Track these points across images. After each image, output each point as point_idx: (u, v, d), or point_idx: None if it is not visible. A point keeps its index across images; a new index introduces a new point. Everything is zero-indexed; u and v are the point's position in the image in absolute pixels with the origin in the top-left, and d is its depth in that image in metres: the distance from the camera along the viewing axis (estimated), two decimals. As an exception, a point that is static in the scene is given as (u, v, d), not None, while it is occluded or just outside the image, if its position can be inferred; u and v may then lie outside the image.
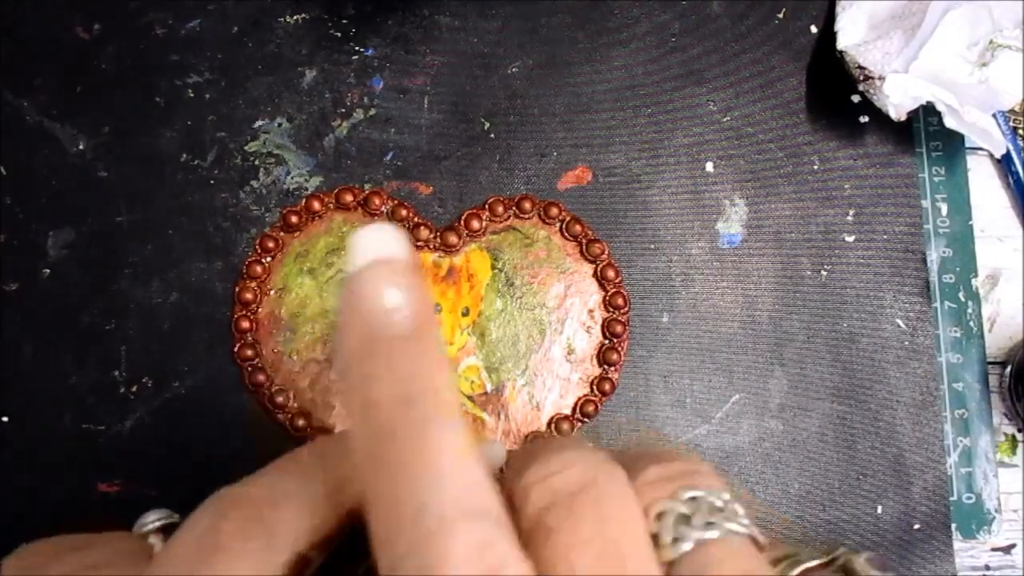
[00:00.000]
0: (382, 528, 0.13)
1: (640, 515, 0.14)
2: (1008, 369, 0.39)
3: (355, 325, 0.14)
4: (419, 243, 0.37)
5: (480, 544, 0.12)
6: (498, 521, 0.13)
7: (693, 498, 0.15)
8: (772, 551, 0.16)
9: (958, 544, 0.37)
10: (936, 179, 0.41)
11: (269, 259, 0.37)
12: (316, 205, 0.37)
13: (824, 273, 0.39)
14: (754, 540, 0.15)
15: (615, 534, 0.14)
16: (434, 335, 0.14)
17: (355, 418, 0.14)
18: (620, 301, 0.37)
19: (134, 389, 0.35)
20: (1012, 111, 0.41)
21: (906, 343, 0.38)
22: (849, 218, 0.39)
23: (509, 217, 0.38)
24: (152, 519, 0.17)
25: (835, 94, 0.40)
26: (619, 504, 0.14)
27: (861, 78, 0.38)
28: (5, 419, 0.35)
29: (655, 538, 0.14)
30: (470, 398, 0.36)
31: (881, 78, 0.37)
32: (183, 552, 0.14)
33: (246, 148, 0.38)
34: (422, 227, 0.37)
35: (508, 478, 0.15)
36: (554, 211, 0.37)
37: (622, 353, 0.37)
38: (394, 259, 0.14)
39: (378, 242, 0.14)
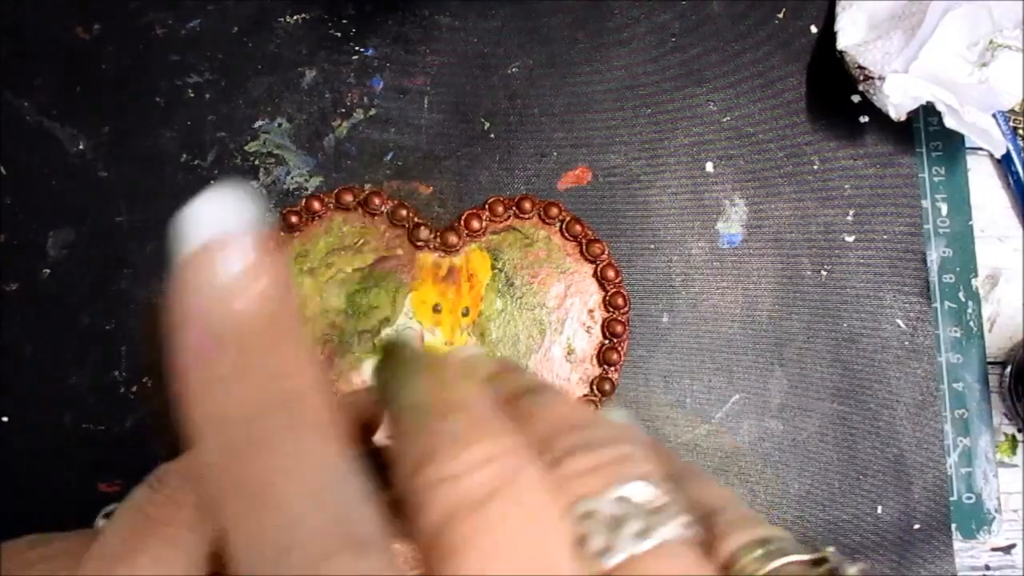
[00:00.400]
0: (243, 568, 0.11)
1: (562, 527, 0.12)
2: (1008, 369, 0.39)
3: (191, 320, 0.11)
4: (419, 243, 0.37)
5: None
6: (380, 547, 0.11)
7: (624, 497, 0.13)
8: (737, 536, 0.13)
9: (958, 544, 0.37)
10: (936, 179, 0.40)
11: (269, 259, 0.37)
12: (316, 205, 0.37)
13: (824, 273, 0.39)
14: (696, 540, 0.13)
15: (531, 556, 0.12)
16: (294, 323, 0.12)
17: (200, 435, 0.11)
18: (620, 301, 0.37)
19: (134, 389, 0.35)
20: (1012, 111, 0.41)
21: (906, 343, 0.38)
22: (849, 218, 0.39)
23: (509, 217, 0.38)
24: (110, 510, 0.17)
25: (835, 94, 0.40)
26: (538, 516, 0.12)
27: (861, 78, 0.38)
28: (5, 419, 0.35)
29: (581, 541, 0.12)
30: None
31: (881, 78, 0.37)
32: (120, 529, 0.14)
33: (246, 148, 0.38)
34: (422, 227, 0.37)
35: (400, 452, 0.13)
36: (554, 211, 0.37)
37: (622, 353, 0.37)
38: (237, 235, 0.11)
39: (216, 215, 0.11)
